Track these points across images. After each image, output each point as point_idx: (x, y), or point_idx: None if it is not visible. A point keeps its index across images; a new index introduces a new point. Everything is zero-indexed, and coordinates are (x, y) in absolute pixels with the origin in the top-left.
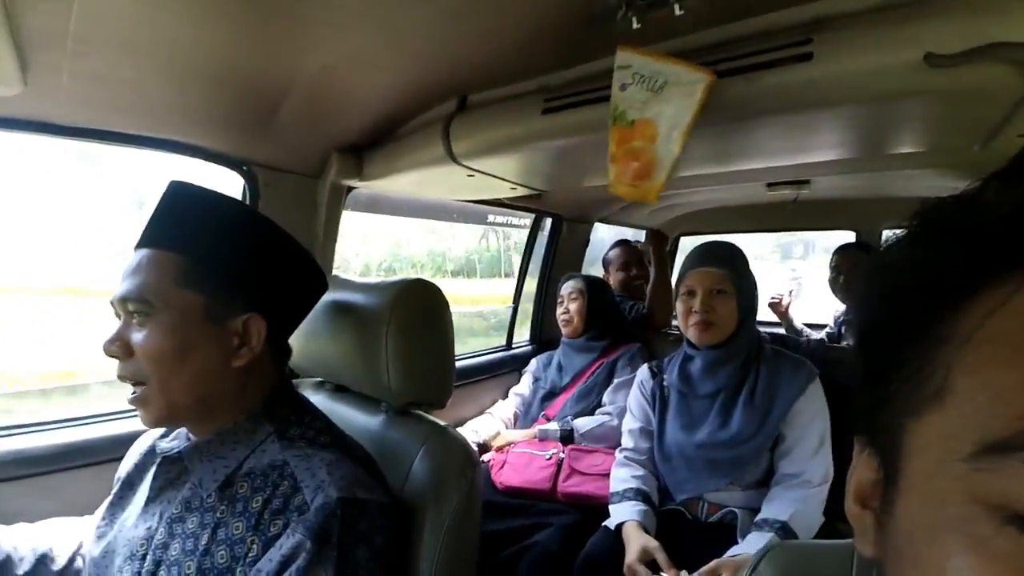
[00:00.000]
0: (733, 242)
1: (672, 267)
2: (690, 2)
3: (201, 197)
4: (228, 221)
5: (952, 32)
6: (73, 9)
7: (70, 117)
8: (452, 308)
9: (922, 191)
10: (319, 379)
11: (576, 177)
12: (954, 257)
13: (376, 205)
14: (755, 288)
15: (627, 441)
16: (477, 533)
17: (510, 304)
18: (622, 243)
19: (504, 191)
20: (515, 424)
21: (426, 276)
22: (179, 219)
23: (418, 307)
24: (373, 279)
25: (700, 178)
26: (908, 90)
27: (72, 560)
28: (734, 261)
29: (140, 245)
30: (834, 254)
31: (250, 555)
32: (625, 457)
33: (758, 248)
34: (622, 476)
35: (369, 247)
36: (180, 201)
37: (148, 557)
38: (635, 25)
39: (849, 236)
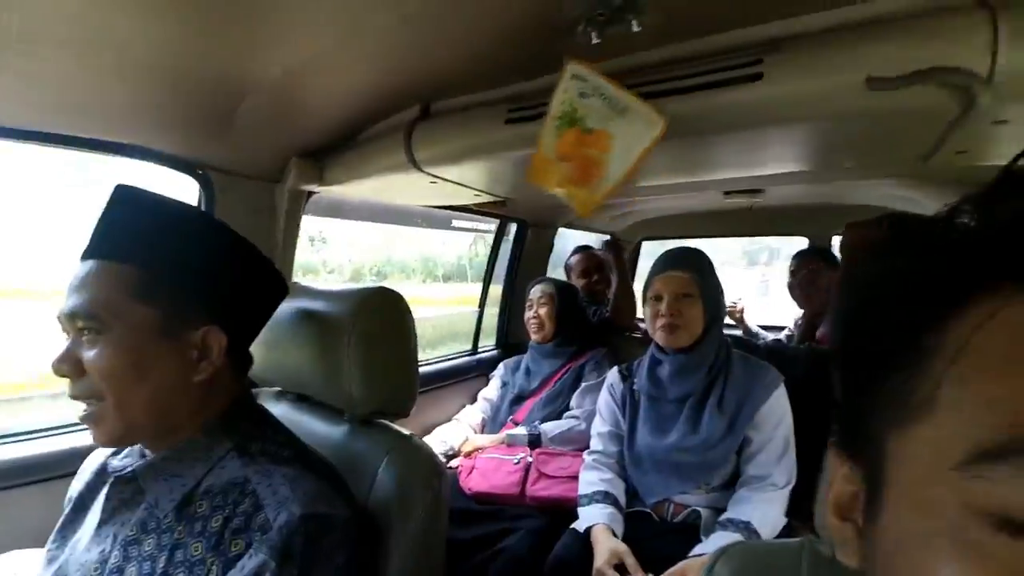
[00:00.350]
0: (699, 248)
1: (634, 271)
2: (647, 19)
3: (152, 202)
4: (183, 228)
5: (891, 56)
6: (17, 6)
7: (16, 119)
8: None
9: (871, 200)
10: (279, 389)
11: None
12: (943, 268)
13: (338, 210)
14: (721, 294)
15: (596, 444)
16: (443, 543)
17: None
18: (582, 249)
19: (468, 198)
20: (483, 430)
21: (416, 281)
22: (129, 227)
23: (380, 315)
24: (335, 287)
25: (660, 187)
26: (851, 110)
27: None
28: (700, 266)
29: (87, 256)
30: (793, 259)
31: None
32: (594, 460)
33: (726, 255)
34: (591, 479)
35: (361, 253)
36: (129, 207)
37: None
38: (595, 40)
39: (805, 242)
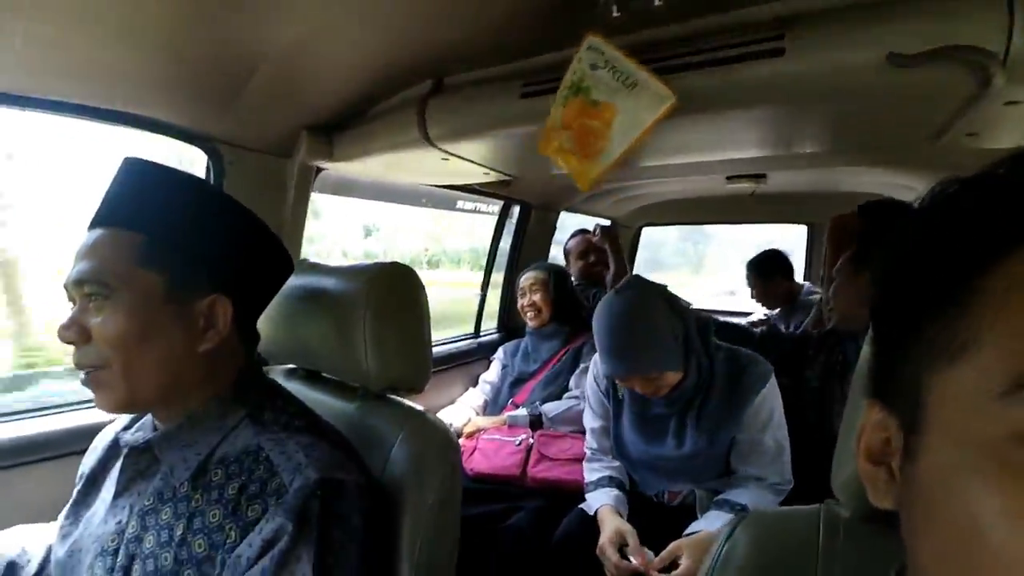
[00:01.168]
0: (630, 300)
1: (633, 260)
2: None
3: (159, 173)
4: (189, 198)
5: (911, 34)
6: None
7: (23, 87)
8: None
9: (872, 187)
10: (291, 366)
11: (549, 163)
12: (993, 215)
13: (345, 188)
14: (689, 325)
15: (591, 441)
16: (459, 516)
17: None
18: (581, 232)
19: (477, 176)
20: (484, 412)
21: (465, 269)
22: (136, 196)
23: (395, 291)
24: (346, 263)
25: (662, 168)
26: (870, 87)
27: (43, 566)
28: (652, 348)
29: (94, 225)
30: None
31: (228, 542)
32: (592, 454)
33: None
34: (594, 467)
35: (413, 242)
36: (136, 178)
37: (120, 551)
38: (615, 13)
39: (803, 230)
